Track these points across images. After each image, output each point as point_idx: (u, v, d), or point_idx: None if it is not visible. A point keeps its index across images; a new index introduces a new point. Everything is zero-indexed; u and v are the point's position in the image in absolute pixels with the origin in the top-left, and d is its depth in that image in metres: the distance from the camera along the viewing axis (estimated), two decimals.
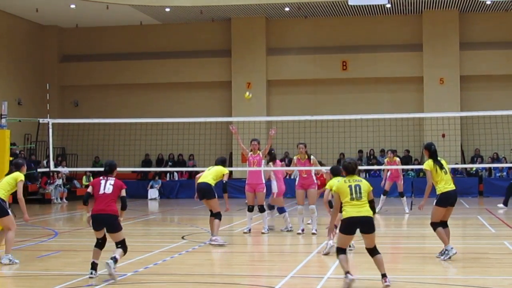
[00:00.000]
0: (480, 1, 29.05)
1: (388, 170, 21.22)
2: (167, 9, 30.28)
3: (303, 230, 15.45)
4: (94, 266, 10.03)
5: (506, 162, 28.95)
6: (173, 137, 27.71)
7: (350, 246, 13.06)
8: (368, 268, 11.08)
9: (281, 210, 16.30)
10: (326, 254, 12.11)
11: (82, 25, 33.71)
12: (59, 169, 26.80)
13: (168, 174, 31.99)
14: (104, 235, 10.18)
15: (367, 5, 29.29)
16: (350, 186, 9.39)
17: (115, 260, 9.83)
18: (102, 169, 10.60)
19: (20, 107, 31.13)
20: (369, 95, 31.81)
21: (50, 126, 17.23)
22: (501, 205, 22.97)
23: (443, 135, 28.32)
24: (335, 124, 25.91)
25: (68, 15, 31.56)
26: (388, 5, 29.24)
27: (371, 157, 31.22)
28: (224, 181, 14.12)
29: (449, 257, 11.42)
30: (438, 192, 11.69)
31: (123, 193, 10.25)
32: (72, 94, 34.28)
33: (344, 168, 9.69)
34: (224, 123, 30.36)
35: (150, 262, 11.53)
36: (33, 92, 32.38)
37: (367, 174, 30.83)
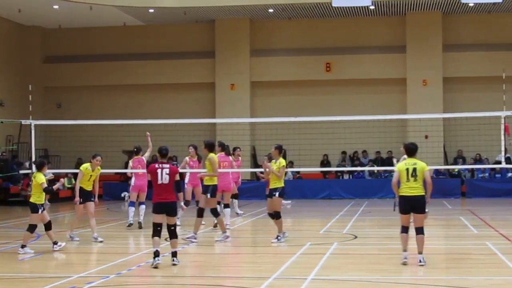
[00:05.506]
0: (463, 3, 29.16)
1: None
2: (151, 10, 30.18)
3: None
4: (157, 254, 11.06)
5: (489, 163, 29.11)
6: (156, 138, 27.45)
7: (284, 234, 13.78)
8: (353, 269, 11.10)
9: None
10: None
11: (66, 26, 33.51)
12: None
13: None
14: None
15: (351, 7, 29.34)
16: (407, 169, 11.07)
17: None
18: None
19: (2, 108, 30.93)
20: (353, 97, 31.83)
21: (33, 128, 17.17)
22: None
23: (426, 136, 28.45)
24: (318, 126, 25.91)
25: (51, 16, 31.36)
26: (372, 7, 29.31)
27: (355, 158, 31.29)
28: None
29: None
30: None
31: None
32: (55, 96, 34.03)
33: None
34: (208, 125, 30.40)
35: (134, 264, 11.49)
36: (15, 93, 32.12)
37: (351, 175, 30.92)
